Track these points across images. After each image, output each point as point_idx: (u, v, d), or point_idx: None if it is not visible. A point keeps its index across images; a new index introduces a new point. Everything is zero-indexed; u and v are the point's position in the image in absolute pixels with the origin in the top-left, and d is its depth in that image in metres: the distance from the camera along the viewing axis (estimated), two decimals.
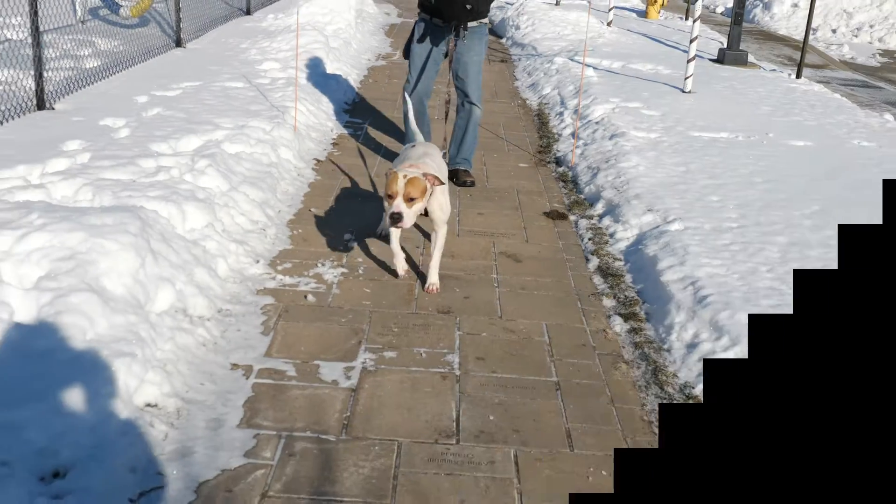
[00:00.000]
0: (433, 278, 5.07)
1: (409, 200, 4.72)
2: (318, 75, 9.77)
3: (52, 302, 3.75)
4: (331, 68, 10.23)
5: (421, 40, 6.80)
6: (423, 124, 6.82)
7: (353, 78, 10.58)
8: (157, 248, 4.46)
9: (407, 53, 6.99)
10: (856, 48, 17.88)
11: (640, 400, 4.03)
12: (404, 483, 3.33)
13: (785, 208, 6.15)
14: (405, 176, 4.76)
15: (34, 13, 7.10)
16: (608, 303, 5.04)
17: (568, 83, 10.21)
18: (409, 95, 6.80)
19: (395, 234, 5.02)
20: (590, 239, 5.96)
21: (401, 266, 5.07)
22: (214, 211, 5.37)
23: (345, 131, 8.37)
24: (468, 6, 6.43)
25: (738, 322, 4.35)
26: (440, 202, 5.01)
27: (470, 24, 6.59)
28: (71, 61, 9.15)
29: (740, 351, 4.18)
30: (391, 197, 4.73)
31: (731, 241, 5.44)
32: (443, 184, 4.98)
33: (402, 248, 5.15)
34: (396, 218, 4.71)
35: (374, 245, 5.65)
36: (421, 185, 4.77)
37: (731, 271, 4.97)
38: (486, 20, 6.75)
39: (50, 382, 3.37)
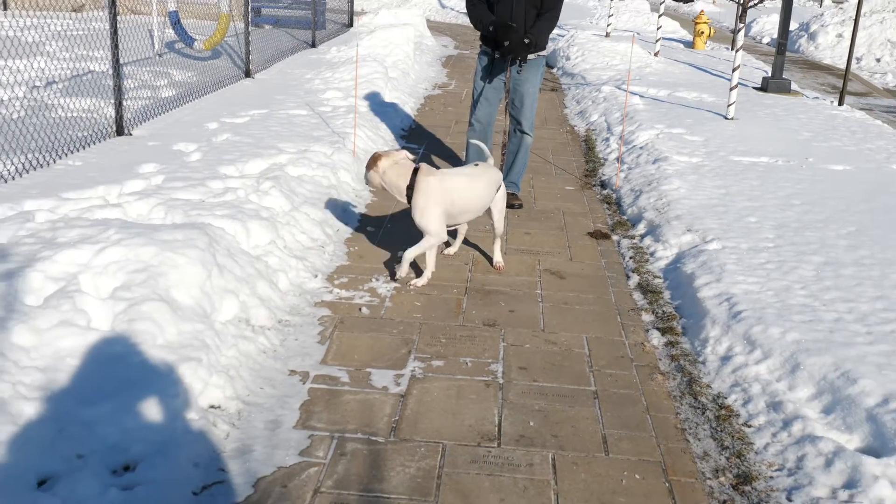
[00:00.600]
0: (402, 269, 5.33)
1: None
2: (377, 103, 9.93)
3: (126, 310, 3.91)
4: (389, 97, 10.40)
5: (483, 72, 6.88)
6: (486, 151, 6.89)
7: (410, 106, 10.73)
8: (223, 262, 4.61)
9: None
10: None
11: (675, 409, 4.06)
12: (447, 483, 3.40)
13: (821, 229, 6.13)
14: (383, 153, 5.30)
15: (115, 47, 7.35)
16: (647, 318, 5.07)
17: (614, 110, 10.25)
18: (473, 125, 6.92)
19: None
20: (631, 257, 6.00)
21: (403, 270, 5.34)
22: (277, 229, 5.52)
23: None
24: (526, 41, 6.49)
25: (770, 336, 4.36)
26: (415, 210, 5.21)
27: (528, 57, 6.68)
28: (148, 91, 9.45)
29: (772, 364, 4.19)
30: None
31: (767, 260, 5.44)
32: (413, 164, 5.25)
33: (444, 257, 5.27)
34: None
35: (424, 263, 5.74)
36: (372, 160, 5.26)
37: (765, 288, 4.98)
38: (543, 53, 6.80)
39: (123, 384, 3.51)
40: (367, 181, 5.35)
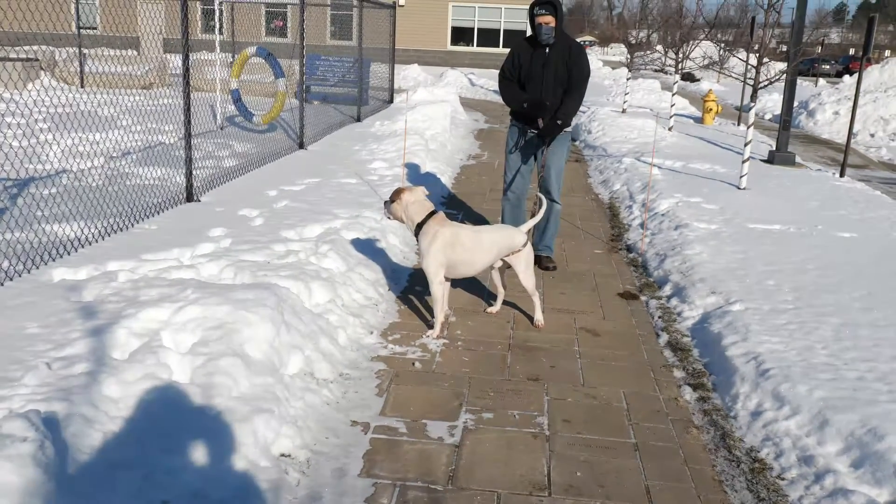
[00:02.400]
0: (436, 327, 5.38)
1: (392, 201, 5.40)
2: (419, 173, 9.98)
3: (204, 364, 3.89)
4: (429, 167, 10.45)
5: (514, 147, 6.89)
6: (519, 218, 6.88)
7: (448, 175, 10.78)
8: (289, 320, 4.60)
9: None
10: (893, 150, 17.55)
11: (711, 461, 3.96)
12: None
13: (835, 292, 6.04)
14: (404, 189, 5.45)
15: (188, 122, 7.46)
16: (678, 374, 4.99)
17: (635, 180, 10.24)
18: (507, 195, 6.95)
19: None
20: (659, 317, 5.94)
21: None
22: (335, 288, 5.51)
23: None
24: (559, 122, 6.54)
25: (797, 393, 4.27)
26: (422, 255, 5.30)
27: None
28: (212, 161, 9.55)
29: (801, 419, 4.09)
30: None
31: (788, 321, 5.36)
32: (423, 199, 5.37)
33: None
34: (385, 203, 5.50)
35: (470, 320, 5.72)
36: (396, 192, 5.39)
37: (789, 348, 4.89)
38: (569, 129, 6.83)
39: (203, 433, 3.48)
40: (388, 212, 5.43)
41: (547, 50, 6.59)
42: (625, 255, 7.59)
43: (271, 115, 12.20)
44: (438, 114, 14.12)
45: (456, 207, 9.13)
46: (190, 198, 7.61)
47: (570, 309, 6.08)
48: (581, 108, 17.80)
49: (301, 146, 11.34)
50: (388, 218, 5.59)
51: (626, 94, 18.26)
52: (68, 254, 5.64)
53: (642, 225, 8.24)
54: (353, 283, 5.81)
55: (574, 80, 6.59)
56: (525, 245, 5.54)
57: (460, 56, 35.80)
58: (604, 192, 10.54)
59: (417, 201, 5.38)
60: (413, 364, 4.91)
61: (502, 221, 7.03)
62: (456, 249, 5.31)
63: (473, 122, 16.88)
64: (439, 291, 5.36)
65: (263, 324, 4.32)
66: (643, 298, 6.39)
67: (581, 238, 8.18)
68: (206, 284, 4.85)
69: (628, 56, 20.91)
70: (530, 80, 6.63)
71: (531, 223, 5.76)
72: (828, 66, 49.80)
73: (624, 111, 17.16)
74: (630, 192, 9.85)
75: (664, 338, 5.55)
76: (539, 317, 5.69)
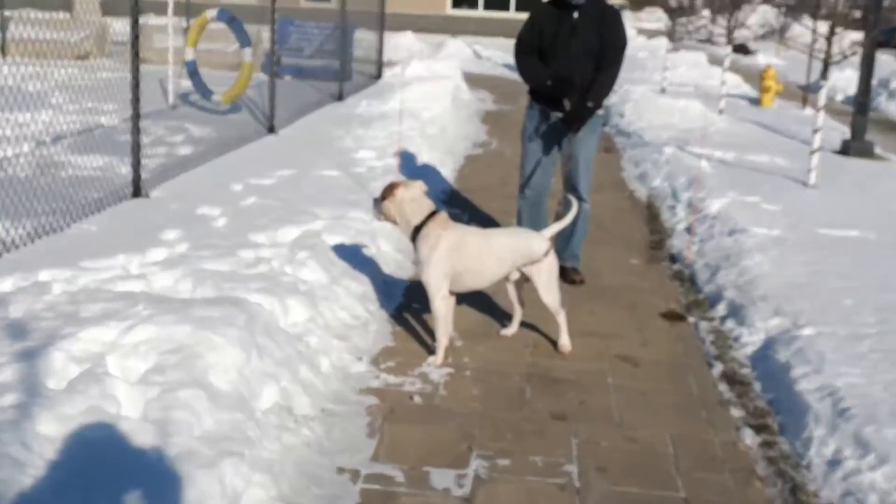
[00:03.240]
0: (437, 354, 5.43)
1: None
2: (414, 164, 9.99)
3: (160, 396, 3.89)
4: (427, 157, 10.46)
5: (535, 133, 6.90)
6: (540, 221, 6.89)
7: (450, 167, 10.80)
8: (262, 342, 4.60)
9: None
10: None
11: None
12: None
13: None
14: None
15: (136, 100, 7.47)
16: (736, 412, 4.99)
17: (679, 174, 10.26)
18: (525, 192, 6.98)
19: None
20: (712, 342, 5.94)
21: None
22: (316, 304, 5.52)
23: None
24: (590, 104, 6.53)
25: (885, 438, 4.26)
26: (420, 248, 5.37)
27: None
28: (164, 148, 9.56)
29: (889, 471, 4.09)
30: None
31: (871, 349, 5.35)
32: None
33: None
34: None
35: (481, 344, 5.73)
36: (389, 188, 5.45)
37: (873, 381, 4.88)
38: (601, 112, 6.84)
39: (158, 480, 3.47)
40: (379, 212, 5.53)
41: (575, 14, 6.59)
42: (668, 267, 7.61)
43: (234, 93, 12.20)
44: (438, 92, 14.12)
45: (460, 206, 9.14)
46: (137, 193, 7.62)
47: (601, 332, 6.09)
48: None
49: (271, 130, 11.35)
50: (379, 219, 5.62)
51: (665, 70, 18.27)
52: None
53: (689, 229, 8.25)
54: (338, 299, 5.82)
55: (608, 51, 6.59)
56: (547, 253, 5.55)
57: (463, 22, 35.86)
58: (641, 188, 10.57)
59: (415, 199, 5.42)
60: (411, 398, 4.91)
61: (518, 224, 7.03)
62: (462, 257, 5.36)
63: (480, 103, 16.91)
64: (442, 309, 5.37)
65: (231, 347, 4.32)
66: (691, 320, 6.39)
67: (614, 245, 8.19)
68: (161, 298, 4.86)
69: (668, 23, 20.98)
70: (554, 51, 6.63)
71: (556, 227, 5.77)
72: None
73: (663, 90, 17.19)
74: (673, 189, 9.87)
75: (718, 368, 5.56)
76: (565, 341, 5.69)
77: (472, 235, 5.50)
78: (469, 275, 5.41)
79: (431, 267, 5.32)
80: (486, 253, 5.43)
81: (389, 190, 5.45)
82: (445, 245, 5.31)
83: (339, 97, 14.82)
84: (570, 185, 6.86)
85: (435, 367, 5.31)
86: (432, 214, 5.40)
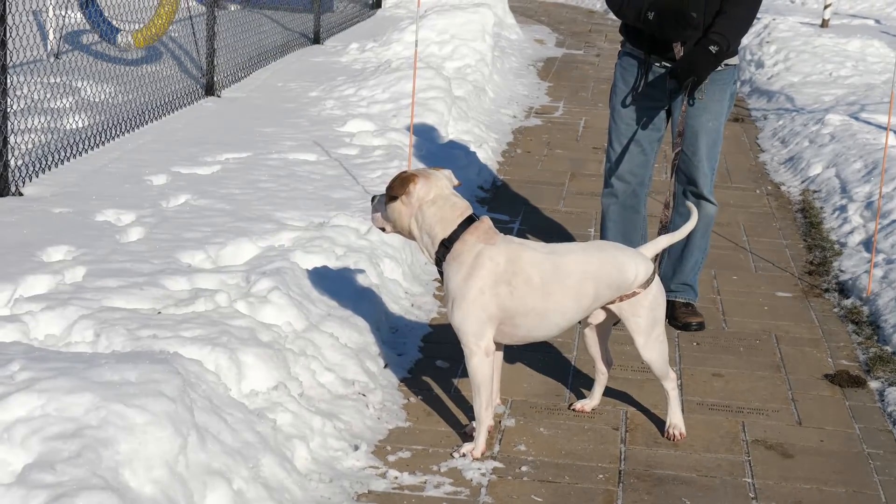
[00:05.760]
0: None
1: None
2: (435, 142, 9.95)
3: None
4: (454, 130, 10.43)
5: (630, 95, 6.89)
6: (635, 230, 6.94)
7: (492, 147, 10.78)
8: (204, 421, 4.56)
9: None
10: None
11: None
12: None
13: None
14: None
15: (1, 45, 7.47)
16: None
17: (852, 158, 10.21)
18: (612, 187, 6.97)
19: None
20: None
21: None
22: (287, 362, 5.49)
23: None
24: (713, 48, 6.45)
25: None
26: (449, 273, 5.31)
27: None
28: (43, 118, 9.45)
29: None
30: None
31: None
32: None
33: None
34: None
35: (544, 424, 5.68)
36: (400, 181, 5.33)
37: None
38: (734, 61, 6.81)
39: None
40: (384, 218, 5.49)
41: None
42: (836, 302, 7.60)
43: (151, 32, 12.19)
44: (472, 29, 14.04)
45: (509, 208, 9.14)
46: (4, 189, 7.63)
47: (733, 405, 6.08)
48: None
49: (210, 91, 11.38)
50: (384, 230, 5.58)
51: None
52: None
53: (868, 245, 8.26)
54: (320, 354, 5.83)
55: None
56: (649, 282, 5.52)
57: None
58: (790, 179, 10.60)
59: (440, 198, 5.32)
60: None
61: (602, 236, 7.03)
62: (516, 289, 5.24)
63: (535, 45, 16.94)
64: (484, 369, 5.28)
65: (157, 429, 4.27)
66: (874, 385, 6.37)
67: (750, 268, 8.19)
68: (46, 354, 4.84)
69: None
70: None
71: (663, 242, 5.77)
72: None
73: (825, 23, 17.21)
74: (842, 182, 9.85)
75: None
76: (677, 420, 5.67)
77: (532, 253, 5.34)
78: (527, 317, 5.30)
79: (467, 304, 5.20)
80: (554, 281, 5.29)
81: (401, 184, 5.31)
82: (489, 269, 5.18)
83: (316, 38, 14.87)
84: (685, 177, 6.86)
85: (473, 460, 5.30)
86: (468, 222, 5.29)
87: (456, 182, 5.45)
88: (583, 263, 5.39)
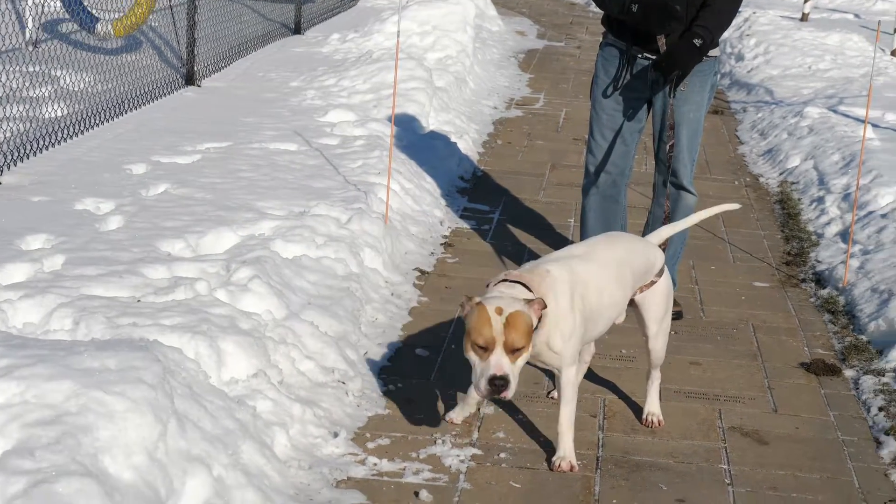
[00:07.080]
0: (563, 450, 5.19)
1: (514, 352, 4.74)
2: (416, 132, 10.00)
3: (27, 492, 3.89)
4: (435, 121, 10.46)
5: (612, 87, 6.92)
6: (615, 221, 6.98)
7: (472, 137, 10.82)
8: (184, 408, 4.58)
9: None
10: None
11: None
12: None
13: None
14: (500, 310, 4.72)
15: None
16: None
17: (830, 150, 10.27)
18: (594, 178, 7.00)
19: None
20: (881, 409, 5.94)
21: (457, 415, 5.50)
22: (267, 350, 5.53)
23: (463, 224, 8.57)
24: (697, 42, 6.47)
25: None
26: (549, 334, 4.96)
27: None
28: (21, 107, 9.46)
29: None
30: (483, 349, 4.73)
31: None
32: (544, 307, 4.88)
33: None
34: (500, 385, 4.68)
35: (522, 412, 5.72)
36: (526, 325, 4.74)
37: None
38: (715, 53, 6.85)
39: None
40: (507, 385, 4.74)
41: None
42: (812, 292, 7.67)
43: (131, 21, 12.15)
44: (453, 20, 14.05)
45: (490, 199, 9.16)
46: None
47: (710, 392, 6.13)
48: None
49: (190, 80, 11.37)
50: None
51: None
52: None
53: (845, 236, 8.30)
54: (300, 342, 5.86)
55: None
56: (663, 269, 5.66)
57: None
58: (769, 171, 10.67)
59: (524, 311, 4.84)
60: (416, 495, 4.90)
61: (582, 226, 7.05)
62: (586, 299, 5.13)
63: (516, 37, 16.94)
64: (574, 377, 5.24)
65: (137, 415, 4.27)
66: (848, 373, 6.42)
67: (728, 259, 8.27)
68: (25, 341, 4.82)
69: None
70: None
71: (667, 231, 5.81)
72: None
73: (805, 17, 17.25)
74: (820, 173, 9.92)
75: (891, 448, 5.57)
76: (654, 407, 5.72)
77: (585, 263, 5.27)
78: (593, 322, 5.25)
79: (571, 331, 5.02)
80: (606, 282, 5.26)
81: (518, 331, 4.74)
82: (567, 290, 5.03)
83: (297, 28, 14.86)
84: (668, 168, 6.88)
85: (451, 447, 5.32)
86: (534, 304, 4.88)
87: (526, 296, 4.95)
88: (611, 252, 5.43)
